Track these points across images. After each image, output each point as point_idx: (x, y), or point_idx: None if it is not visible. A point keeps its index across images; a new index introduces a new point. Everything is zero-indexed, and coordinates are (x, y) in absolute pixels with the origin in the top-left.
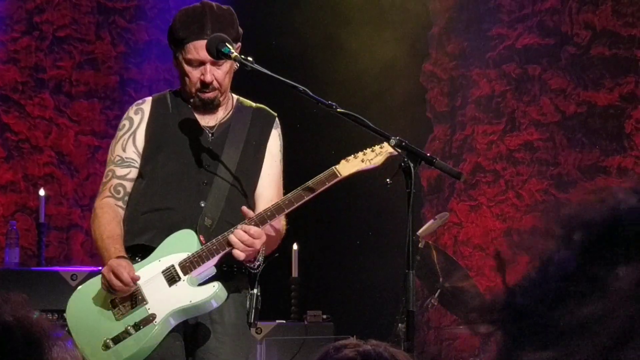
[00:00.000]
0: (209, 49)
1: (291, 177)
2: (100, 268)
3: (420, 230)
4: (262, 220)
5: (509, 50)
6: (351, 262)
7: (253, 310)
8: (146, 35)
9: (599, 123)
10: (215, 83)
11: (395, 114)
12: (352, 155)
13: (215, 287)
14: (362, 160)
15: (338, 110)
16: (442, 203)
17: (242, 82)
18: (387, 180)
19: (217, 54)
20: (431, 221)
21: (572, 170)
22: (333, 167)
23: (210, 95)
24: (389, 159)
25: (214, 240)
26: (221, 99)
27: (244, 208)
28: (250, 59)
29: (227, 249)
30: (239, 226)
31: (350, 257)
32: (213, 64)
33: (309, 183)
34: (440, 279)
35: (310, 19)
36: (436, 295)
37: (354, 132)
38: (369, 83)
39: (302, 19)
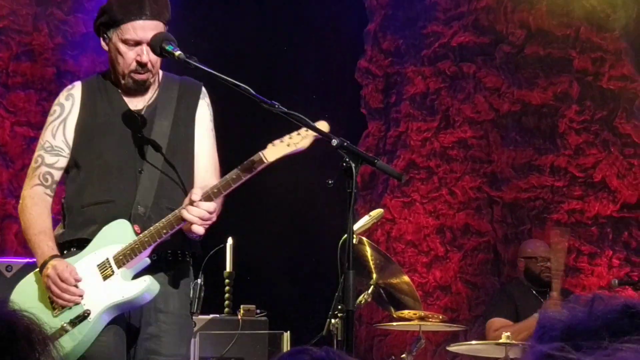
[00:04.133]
0: (152, 46)
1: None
2: (35, 260)
3: (355, 227)
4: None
5: (444, 48)
6: (285, 258)
7: (196, 300)
8: (83, 28)
9: (532, 122)
10: (149, 65)
11: (330, 110)
12: (279, 140)
13: (147, 281)
14: (289, 145)
15: (280, 109)
16: (376, 199)
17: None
18: (329, 181)
19: (161, 52)
20: (365, 217)
21: (506, 168)
22: (260, 153)
23: (143, 76)
24: (315, 142)
25: (146, 232)
26: (152, 80)
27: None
28: (194, 57)
29: (164, 237)
30: (193, 203)
31: (284, 253)
32: (148, 44)
33: (237, 170)
34: (374, 276)
35: (252, 18)
36: (369, 291)
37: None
38: (305, 79)
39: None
